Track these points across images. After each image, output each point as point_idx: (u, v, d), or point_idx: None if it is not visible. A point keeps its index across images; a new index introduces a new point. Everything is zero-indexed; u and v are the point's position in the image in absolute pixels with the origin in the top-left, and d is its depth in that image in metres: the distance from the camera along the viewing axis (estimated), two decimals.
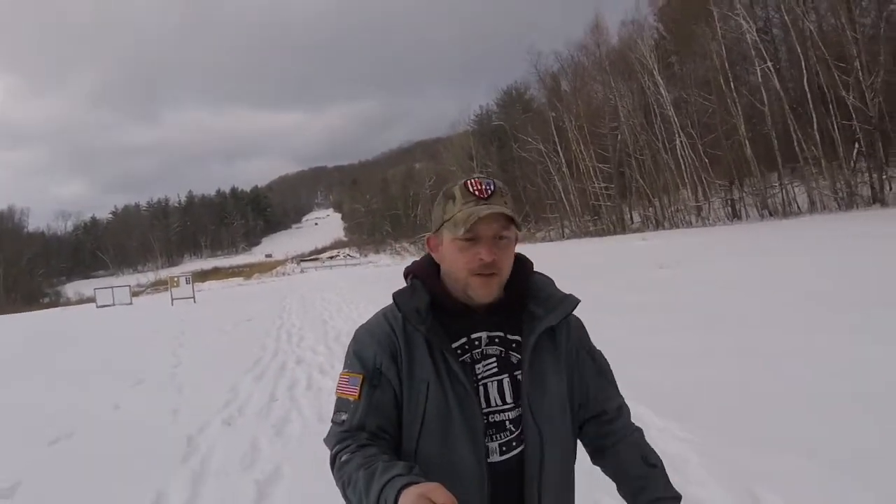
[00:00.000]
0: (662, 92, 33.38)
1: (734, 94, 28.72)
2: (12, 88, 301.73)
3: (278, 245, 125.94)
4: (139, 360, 9.84)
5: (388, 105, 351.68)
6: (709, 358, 5.33)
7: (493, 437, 1.15)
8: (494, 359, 1.18)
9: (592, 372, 1.28)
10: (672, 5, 35.11)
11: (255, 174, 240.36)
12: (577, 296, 1.24)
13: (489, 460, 1.14)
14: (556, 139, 41.76)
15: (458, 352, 1.16)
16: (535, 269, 1.26)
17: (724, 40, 29.50)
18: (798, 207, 27.14)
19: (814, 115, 25.24)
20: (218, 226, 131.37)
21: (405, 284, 1.24)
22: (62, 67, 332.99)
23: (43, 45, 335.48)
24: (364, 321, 1.24)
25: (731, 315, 7.20)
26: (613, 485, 1.26)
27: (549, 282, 1.26)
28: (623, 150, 37.56)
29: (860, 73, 23.42)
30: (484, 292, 1.15)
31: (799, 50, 25.75)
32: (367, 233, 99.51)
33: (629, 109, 36.39)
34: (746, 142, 28.48)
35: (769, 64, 27.33)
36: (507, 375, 1.18)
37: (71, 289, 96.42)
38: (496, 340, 1.18)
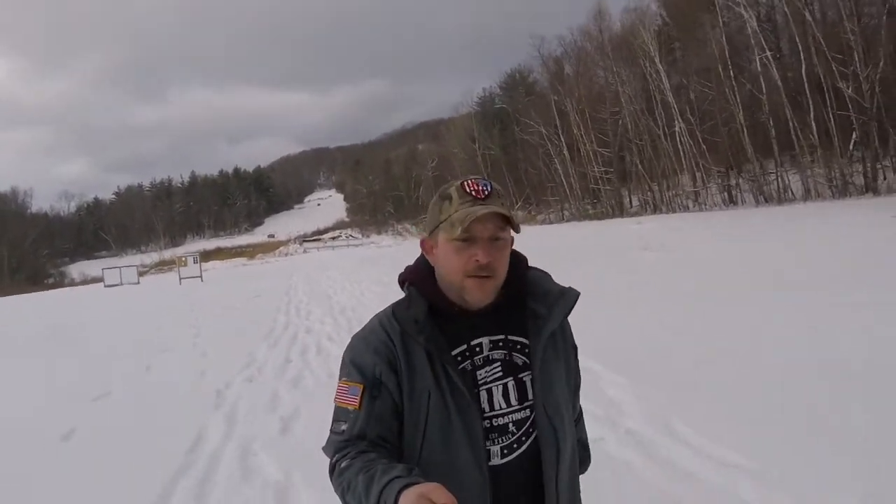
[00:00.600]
0: (663, 78, 33.72)
1: (733, 82, 29.13)
2: (17, 69, 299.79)
3: (281, 225, 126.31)
4: (160, 332, 10.59)
5: (392, 87, 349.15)
6: (660, 326, 6.12)
7: (495, 440, 1.14)
8: (499, 363, 1.16)
9: (576, 368, 1.32)
10: None
11: (257, 154, 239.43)
12: (574, 289, 1.25)
13: (490, 464, 1.13)
14: (558, 123, 42.07)
15: (458, 359, 1.15)
16: (530, 265, 1.26)
17: (725, 28, 29.84)
18: (792, 194, 27.68)
19: (811, 105, 25.72)
20: (221, 206, 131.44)
21: (402, 294, 1.22)
22: (67, 47, 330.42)
23: (48, 25, 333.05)
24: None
25: (697, 291, 7.96)
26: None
27: (546, 276, 1.25)
28: (623, 135, 37.97)
29: (858, 65, 23.82)
30: (479, 295, 1.13)
31: (798, 41, 26.13)
32: (370, 214, 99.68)
33: (630, 95, 36.73)
34: (744, 129, 28.99)
35: (769, 53, 27.71)
36: (511, 378, 1.17)
37: (75, 269, 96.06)
38: (499, 344, 1.17)
